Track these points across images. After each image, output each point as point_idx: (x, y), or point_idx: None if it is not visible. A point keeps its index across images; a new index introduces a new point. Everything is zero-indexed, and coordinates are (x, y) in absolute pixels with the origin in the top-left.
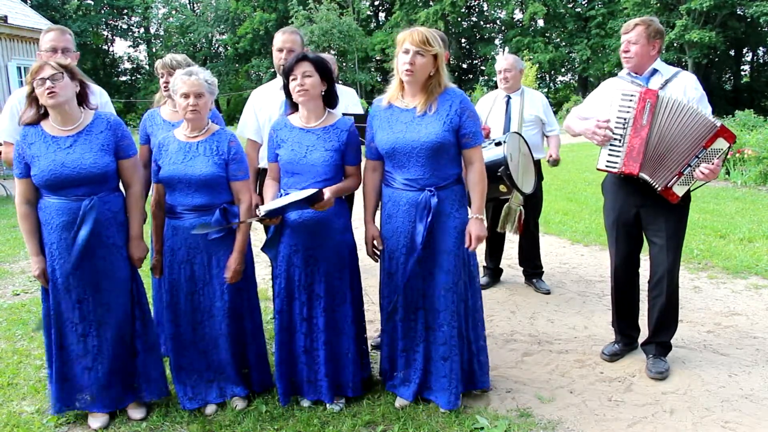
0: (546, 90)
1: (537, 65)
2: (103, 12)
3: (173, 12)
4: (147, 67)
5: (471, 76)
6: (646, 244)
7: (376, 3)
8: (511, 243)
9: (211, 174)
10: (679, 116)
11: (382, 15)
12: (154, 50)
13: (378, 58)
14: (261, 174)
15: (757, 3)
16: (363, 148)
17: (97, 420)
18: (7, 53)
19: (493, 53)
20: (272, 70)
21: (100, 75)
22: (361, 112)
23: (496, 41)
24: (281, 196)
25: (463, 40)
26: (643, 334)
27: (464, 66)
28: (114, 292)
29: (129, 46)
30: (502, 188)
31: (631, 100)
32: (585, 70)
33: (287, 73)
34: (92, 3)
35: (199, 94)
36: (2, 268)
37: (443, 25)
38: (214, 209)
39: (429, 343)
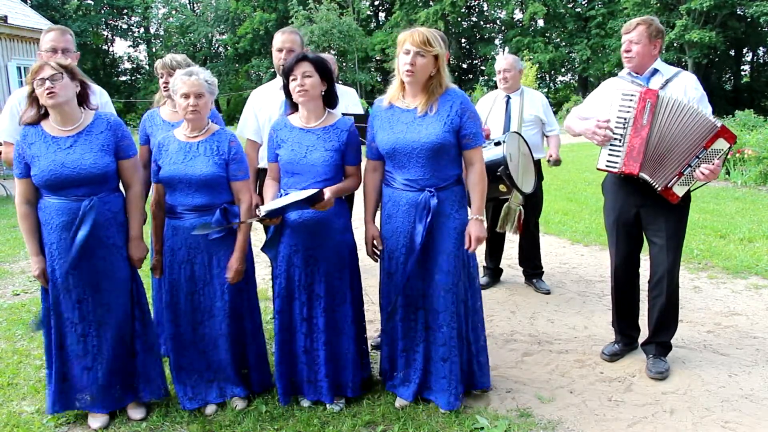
0: (546, 90)
1: (537, 65)
2: (103, 12)
3: (173, 12)
4: (147, 67)
5: (471, 76)
6: (646, 244)
7: (376, 3)
8: (511, 243)
9: (212, 174)
10: (680, 116)
11: (382, 15)
12: (154, 50)
13: (378, 58)
14: (261, 174)
15: (757, 3)
16: (363, 148)
17: (97, 420)
18: (7, 53)
19: (493, 53)
20: (272, 70)
21: (100, 75)
22: (362, 112)
23: (496, 41)
24: (281, 196)
25: (463, 40)
26: (643, 334)
27: (464, 66)
28: (114, 292)
29: (129, 46)
30: (502, 188)
31: (631, 100)
32: (585, 70)
33: (287, 74)
34: (92, 3)
35: (199, 95)
36: (2, 268)
37: (443, 25)
38: (214, 209)
39: (429, 344)
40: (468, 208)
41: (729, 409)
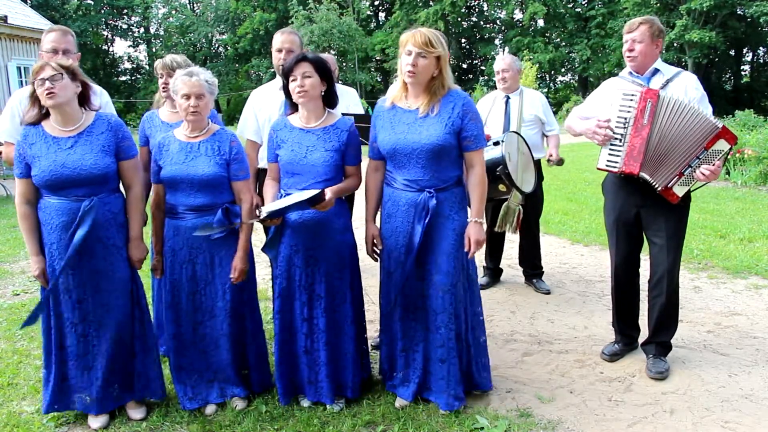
0: (546, 90)
1: (537, 65)
2: (103, 12)
3: (173, 12)
4: (147, 67)
5: (471, 76)
6: (646, 244)
7: (376, 3)
8: (511, 243)
9: (213, 174)
10: (681, 116)
11: (382, 15)
12: (154, 50)
13: (378, 58)
14: (261, 174)
15: (757, 3)
16: (364, 148)
17: (97, 420)
18: (7, 53)
19: (493, 53)
20: (272, 70)
21: (100, 75)
22: (362, 112)
23: (496, 41)
24: (281, 196)
25: (463, 40)
26: (643, 334)
27: (464, 66)
28: (114, 292)
29: (129, 46)
30: (502, 188)
31: (632, 100)
32: (585, 70)
33: (287, 74)
34: (92, 3)
35: (199, 95)
36: (2, 268)
37: (443, 25)
38: (215, 209)
39: (428, 344)
40: (468, 210)
41: (729, 409)
